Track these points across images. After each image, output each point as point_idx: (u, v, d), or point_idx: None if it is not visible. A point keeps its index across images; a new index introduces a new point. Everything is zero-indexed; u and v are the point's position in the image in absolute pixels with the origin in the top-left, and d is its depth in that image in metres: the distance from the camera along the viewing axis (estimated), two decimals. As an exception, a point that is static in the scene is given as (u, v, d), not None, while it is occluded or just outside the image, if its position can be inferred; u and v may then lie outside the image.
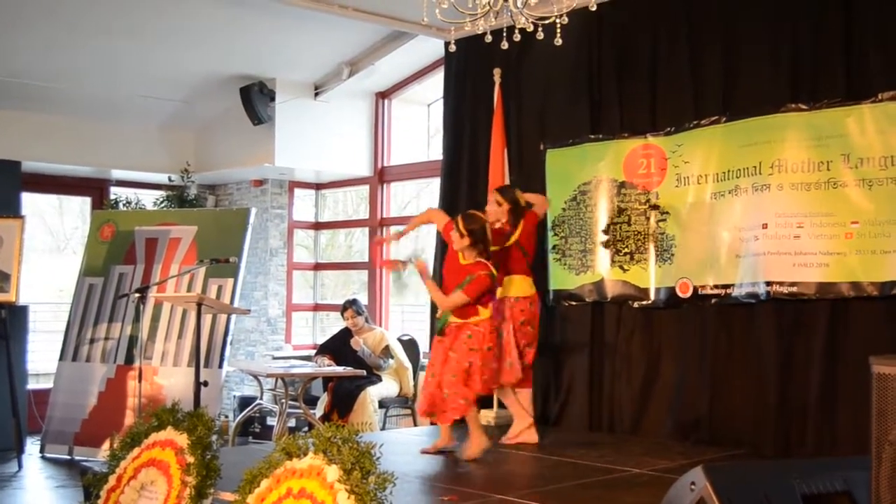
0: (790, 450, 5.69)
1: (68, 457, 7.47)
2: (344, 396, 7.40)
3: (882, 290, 5.35)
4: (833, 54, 5.69)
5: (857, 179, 5.50)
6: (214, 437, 4.29)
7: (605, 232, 6.72)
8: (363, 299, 8.67)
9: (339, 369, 7.30)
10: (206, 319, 7.25)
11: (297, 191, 10.10)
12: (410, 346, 8.09)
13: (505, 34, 4.84)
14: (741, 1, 6.18)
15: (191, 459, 4.11)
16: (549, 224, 7.09)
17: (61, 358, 7.95)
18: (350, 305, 7.83)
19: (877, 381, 2.85)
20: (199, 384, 6.03)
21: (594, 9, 4.84)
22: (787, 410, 5.75)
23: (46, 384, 8.32)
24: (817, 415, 5.62)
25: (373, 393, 7.44)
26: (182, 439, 4.22)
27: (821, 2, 5.77)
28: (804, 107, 5.73)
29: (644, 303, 6.56)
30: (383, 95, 9.49)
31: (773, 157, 5.82)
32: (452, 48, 5.40)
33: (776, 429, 5.79)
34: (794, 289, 5.70)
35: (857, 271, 5.47)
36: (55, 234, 10.89)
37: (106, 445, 6.88)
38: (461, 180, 7.76)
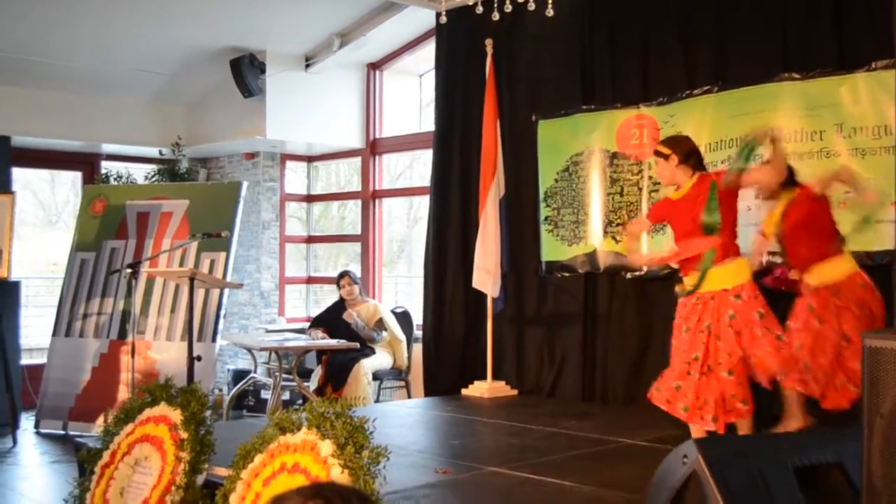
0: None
1: (63, 432, 7.47)
2: (338, 369, 7.41)
3: (874, 259, 5.35)
4: (826, 23, 5.66)
5: (850, 149, 5.49)
6: (208, 413, 4.30)
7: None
8: (356, 271, 8.67)
9: (333, 342, 7.31)
10: (199, 293, 7.24)
11: (288, 163, 10.05)
12: (404, 318, 8.09)
13: (496, 5, 4.80)
14: (734, -31, 6.14)
15: (185, 435, 4.12)
16: (542, 195, 7.08)
17: (54, 333, 7.93)
18: (346, 274, 7.89)
19: (868, 354, 2.86)
20: (192, 359, 6.02)
21: (586, -22, 4.81)
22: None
23: (40, 359, 8.30)
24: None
25: (367, 365, 7.45)
26: (176, 415, 4.24)
27: (814, -30, 5.74)
28: (797, 76, 5.70)
29: (636, 273, 6.55)
30: (375, 67, 9.43)
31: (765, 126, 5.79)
32: (443, 19, 5.38)
33: (769, 401, 5.81)
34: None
35: (849, 241, 5.46)
36: (47, 208, 10.85)
37: (100, 421, 6.88)
38: (453, 151, 7.74)
